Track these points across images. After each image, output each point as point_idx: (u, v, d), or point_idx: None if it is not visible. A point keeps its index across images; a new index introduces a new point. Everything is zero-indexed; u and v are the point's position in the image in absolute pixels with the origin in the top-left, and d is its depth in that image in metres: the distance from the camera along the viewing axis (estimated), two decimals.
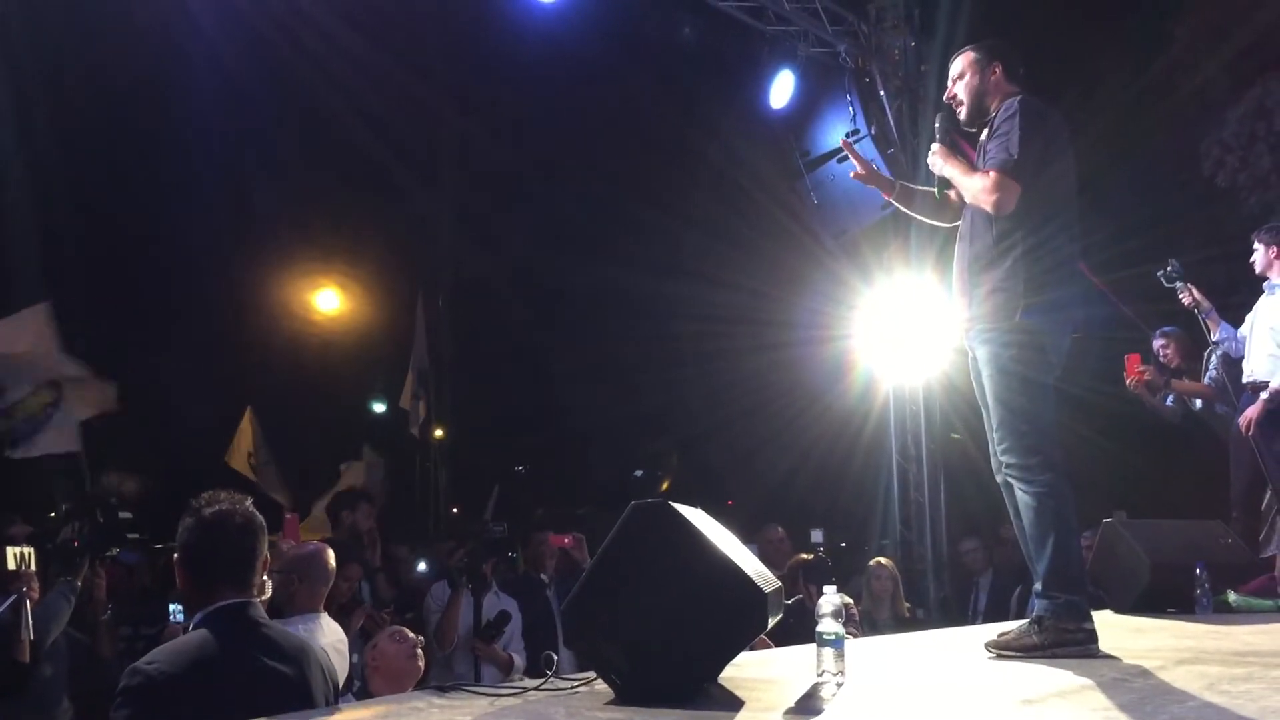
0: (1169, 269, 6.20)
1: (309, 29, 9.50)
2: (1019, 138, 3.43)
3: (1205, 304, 6.27)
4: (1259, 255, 6.01)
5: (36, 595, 3.70)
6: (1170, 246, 7.11)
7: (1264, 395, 5.63)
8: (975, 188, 3.51)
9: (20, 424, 7.30)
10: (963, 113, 3.75)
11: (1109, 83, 11.56)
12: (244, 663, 2.63)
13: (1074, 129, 3.76)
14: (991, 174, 3.46)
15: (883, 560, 7.20)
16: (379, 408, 17.51)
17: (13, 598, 3.49)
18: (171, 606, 4.56)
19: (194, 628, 2.68)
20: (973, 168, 3.58)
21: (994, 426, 3.51)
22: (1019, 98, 3.55)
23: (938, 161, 3.66)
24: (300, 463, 11.60)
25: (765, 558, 6.73)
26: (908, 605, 7.02)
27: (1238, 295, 6.44)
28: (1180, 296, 6.24)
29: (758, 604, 2.47)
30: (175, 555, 2.78)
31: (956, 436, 9.26)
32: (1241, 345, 6.15)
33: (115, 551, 4.53)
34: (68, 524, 5.20)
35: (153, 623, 4.83)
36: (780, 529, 7.26)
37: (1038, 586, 3.40)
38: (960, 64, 3.79)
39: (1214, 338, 6.29)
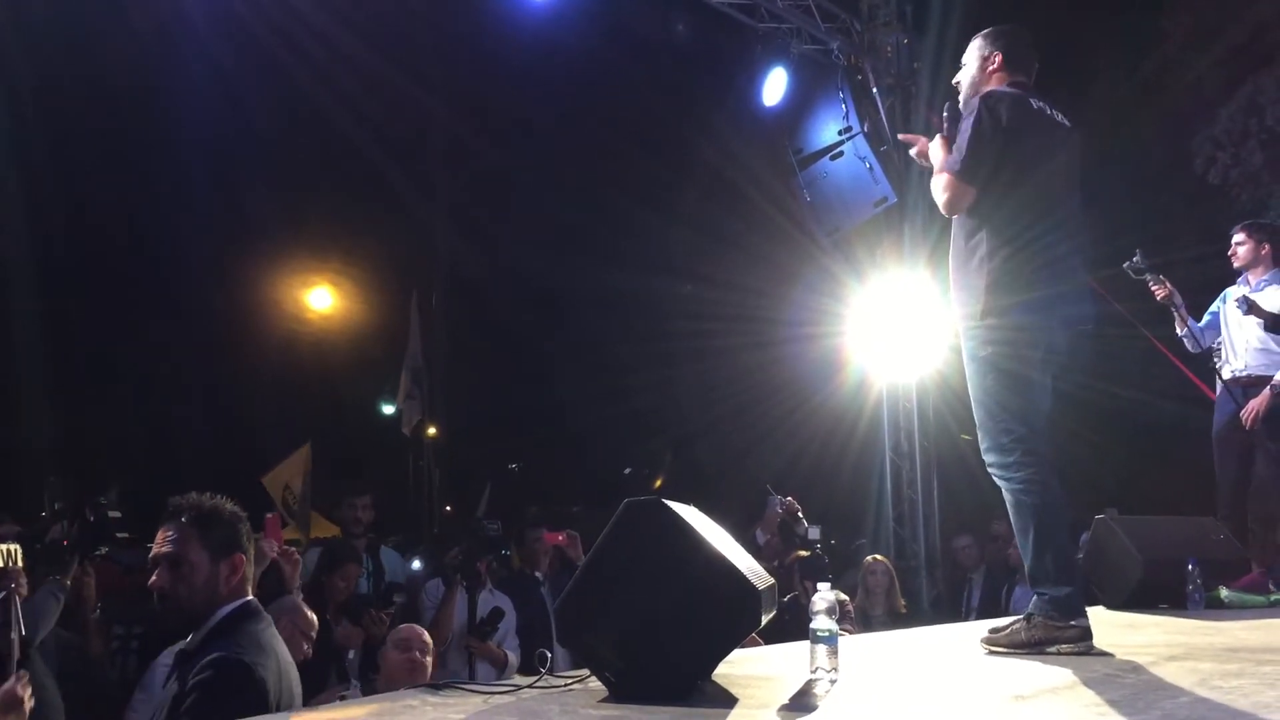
0: (1135, 260, 5.94)
1: (302, 30, 9.48)
2: (969, 138, 3.41)
3: (1177, 297, 6.10)
4: (1245, 248, 5.97)
5: (24, 592, 3.68)
6: (1162, 243, 7.06)
7: (1271, 388, 5.60)
8: (933, 186, 3.55)
9: None
10: (961, 101, 3.71)
11: (1101, 79, 11.58)
12: (282, 652, 2.79)
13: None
14: (944, 175, 3.48)
15: (878, 556, 7.21)
16: (373, 407, 17.48)
17: (1, 595, 3.47)
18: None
19: (228, 618, 2.74)
20: None
21: (976, 423, 3.51)
22: (983, 95, 3.49)
23: (935, 148, 3.63)
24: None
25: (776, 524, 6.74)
26: (903, 602, 7.02)
27: None
28: (1153, 288, 5.99)
29: (751, 601, 2.46)
30: (238, 550, 2.82)
31: (967, 438, 9.25)
32: (1203, 338, 6.09)
33: (104, 550, 4.50)
34: (57, 523, 5.18)
35: (145, 622, 4.80)
36: (789, 498, 7.18)
37: (1027, 582, 3.40)
38: (968, 50, 3.74)
39: (1181, 332, 6.19)
